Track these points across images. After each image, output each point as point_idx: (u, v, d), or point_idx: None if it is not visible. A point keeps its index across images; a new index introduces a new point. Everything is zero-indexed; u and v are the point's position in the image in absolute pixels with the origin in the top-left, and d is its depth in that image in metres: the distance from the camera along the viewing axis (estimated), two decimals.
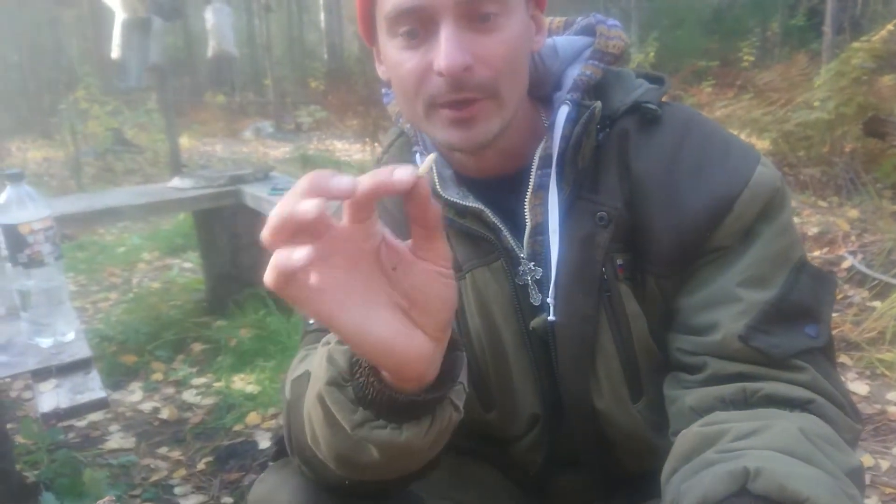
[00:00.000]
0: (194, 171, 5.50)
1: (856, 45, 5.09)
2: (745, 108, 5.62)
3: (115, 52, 6.89)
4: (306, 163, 7.36)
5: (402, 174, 0.50)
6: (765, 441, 0.66)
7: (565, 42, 0.90)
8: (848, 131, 4.89)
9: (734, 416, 0.73)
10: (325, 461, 0.71)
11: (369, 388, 0.61)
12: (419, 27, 0.76)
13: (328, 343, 0.67)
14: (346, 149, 9.50)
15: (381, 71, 0.87)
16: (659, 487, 0.75)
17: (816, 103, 4.97)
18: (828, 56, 7.17)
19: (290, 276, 0.50)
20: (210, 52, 9.30)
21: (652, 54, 9.32)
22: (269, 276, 0.50)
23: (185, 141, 9.60)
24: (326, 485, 0.79)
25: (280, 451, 0.89)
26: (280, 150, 9.56)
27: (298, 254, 0.48)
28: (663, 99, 0.87)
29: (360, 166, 7.37)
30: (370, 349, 0.55)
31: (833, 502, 0.58)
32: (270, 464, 0.91)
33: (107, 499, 0.78)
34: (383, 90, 0.96)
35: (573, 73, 0.86)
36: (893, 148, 4.37)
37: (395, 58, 0.79)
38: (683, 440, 0.73)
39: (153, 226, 5.24)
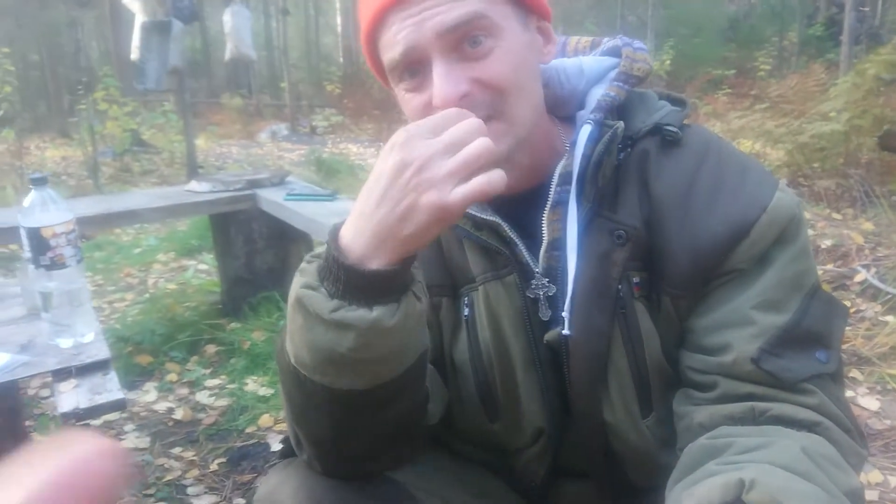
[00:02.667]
0: (211, 173, 5.54)
1: (872, 56, 5.08)
2: (759, 119, 5.61)
3: (134, 54, 6.97)
4: (321, 166, 7.41)
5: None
6: (766, 456, 0.68)
7: (591, 62, 0.92)
8: (863, 143, 4.87)
9: (740, 432, 0.75)
10: (310, 374, 0.75)
11: (338, 277, 0.70)
12: (418, 68, 0.79)
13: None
14: (361, 153, 9.55)
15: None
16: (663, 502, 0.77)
17: (832, 115, 4.96)
18: (845, 67, 7.15)
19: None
20: (228, 55, 9.39)
21: (668, 62, 9.31)
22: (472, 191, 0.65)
23: (201, 142, 9.69)
24: (316, 439, 0.83)
25: (286, 450, 0.92)
26: (295, 153, 9.62)
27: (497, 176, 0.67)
28: (685, 121, 0.89)
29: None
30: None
31: None
32: (276, 463, 0.94)
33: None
34: None
35: (597, 94, 0.88)
36: None
37: (404, 99, 0.83)
38: (689, 452, 0.75)
39: (169, 227, 5.29)
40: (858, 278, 3.25)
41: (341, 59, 20.48)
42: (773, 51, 11.04)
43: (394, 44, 0.78)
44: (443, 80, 0.76)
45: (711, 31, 13.70)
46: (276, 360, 0.85)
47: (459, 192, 0.65)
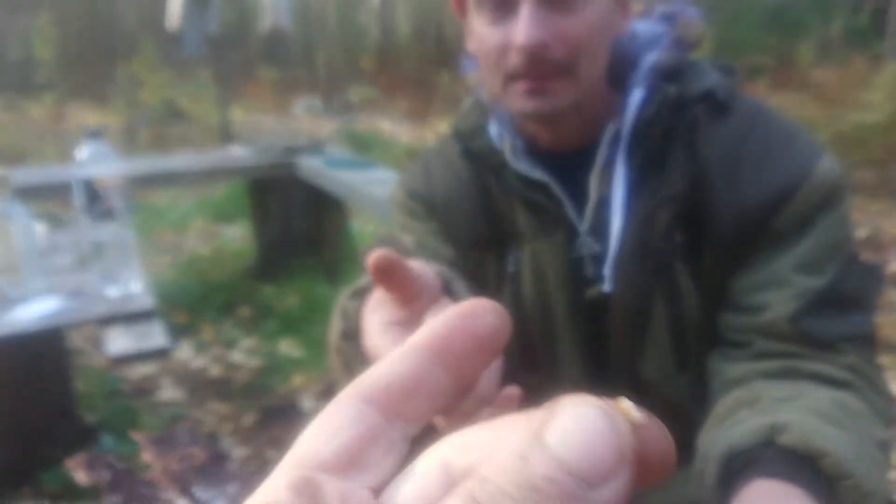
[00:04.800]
0: (248, 141, 5.60)
1: None
2: (799, 108, 5.53)
3: (174, 22, 7.05)
4: (354, 140, 7.45)
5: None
6: (798, 405, 0.70)
7: (645, 27, 0.93)
8: None
9: (773, 385, 0.77)
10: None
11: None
12: (504, 1, 0.80)
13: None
14: (395, 129, 9.57)
15: (471, 45, 0.92)
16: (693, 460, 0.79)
17: (875, 106, 4.88)
18: (890, 59, 7.00)
19: None
20: (264, 27, 9.43)
21: (708, 48, 9.17)
22: None
23: (235, 114, 9.76)
24: None
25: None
26: (328, 128, 9.66)
27: None
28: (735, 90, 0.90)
29: (408, 147, 7.43)
30: None
31: (855, 462, 0.62)
32: None
33: (182, 424, 0.85)
34: (463, 60, 1.00)
35: (651, 58, 0.89)
36: None
37: (480, 32, 0.83)
38: (722, 403, 0.78)
39: (204, 193, 5.37)
40: (892, 269, 3.22)
41: (377, 35, 20.43)
42: (816, 41, 10.81)
43: None
44: (531, 20, 0.77)
45: (753, 19, 13.44)
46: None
47: None
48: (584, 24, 0.79)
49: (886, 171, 4.56)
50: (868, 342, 0.81)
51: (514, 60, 0.80)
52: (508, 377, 1.01)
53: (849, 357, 0.78)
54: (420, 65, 10.10)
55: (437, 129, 8.11)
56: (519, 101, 0.83)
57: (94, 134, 1.70)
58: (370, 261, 0.53)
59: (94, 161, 1.70)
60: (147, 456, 0.80)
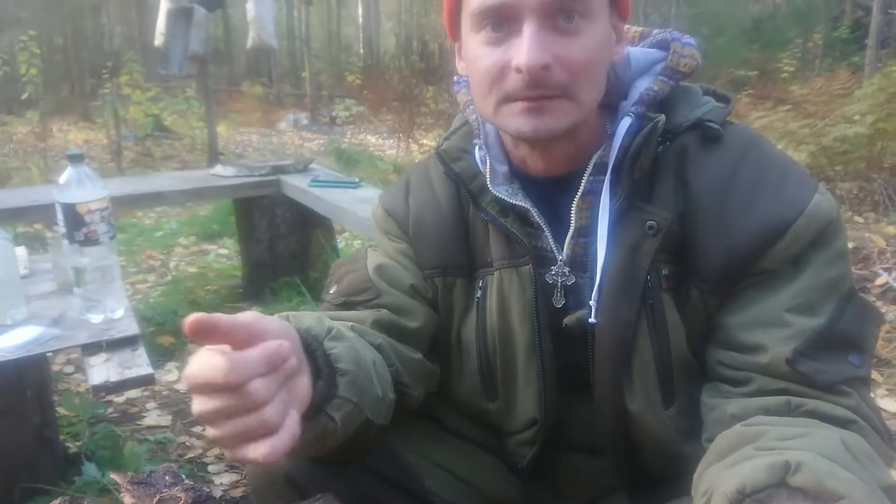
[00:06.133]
0: (231, 160, 5.58)
1: None
2: (782, 120, 5.58)
3: (158, 40, 7.02)
4: (340, 156, 7.44)
5: None
6: (805, 444, 0.68)
7: (639, 53, 0.92)
8: (887, 147, 4.83)
9: (777, 421, 0.75)
10: None
11: None
12: (503, 23, 0.79)
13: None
14: (380, 144, 9.58)
15: (461, 67, 0.91)
16: (680, 490, 0.78)
17: (856, 118, 4.92)
18: (870, 70, 7.09)
19: None
20: (250, 43, 9.42)
21: None
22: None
23: (222, 130, 9.74)
24: None
25: None
26: (315, 143, 9.66)
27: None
28: (729, 119, 0.89)
29: (395, 163, 7.43)
30: None
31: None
32: None
33: (165, 465, 0.83)
34: (455, 78, 1.00)
35: (642, 86, 0.88)
36: None
37: (477, 52, 0.82)
38: (723, 439, 0.76)
39: (190, 211, 5.34)
40: (879, 281, 3.24)
41: (362, 51, 20.50)
42: (796, 53, 10.94)
43: None
44: (533, 43, 0.76)
45: (735, 32, 13.58)
46: None
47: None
48: (585, 49, 0.79)
49: (870, 183, 4.60)
50: (865, 383, 0.80)
51: (514, 81, 0.79)
52: (470, 403, 1.01)
53: (850, 398, 0.77)
54: (405, 80, 10.12)
55: (423, 144, 8.13)
56: (516, 120, 0.82)
57: (76, 158, 1.68)
58: (185, 327, 0.57)
59: (76, 185, 1.67)
60: (127, 499, 0.78)
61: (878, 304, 3.09)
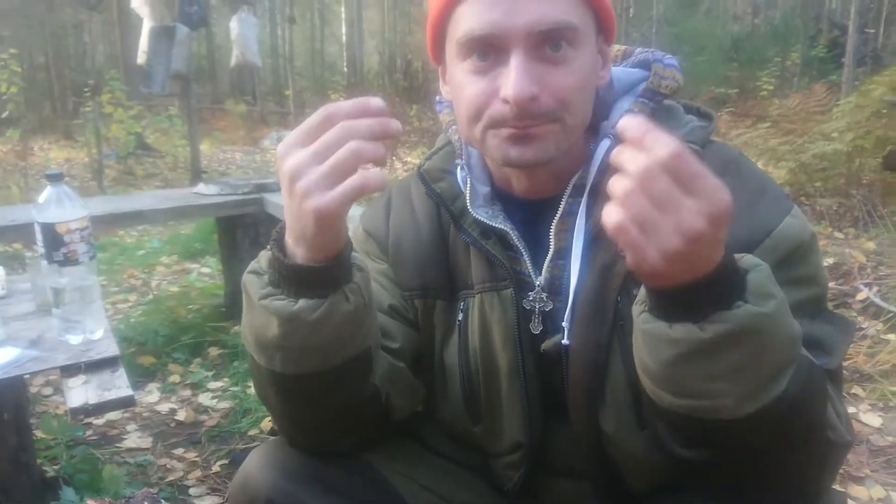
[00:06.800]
0: (214, 178, 5.55)
1: (876, 78, 5.12)
2: (762, 137, 5.64)
3: (141, 59, 7.02)
4: None
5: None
6: None
7: (621, 73, 0.92)
8: (865, 164, 4.90)
9: None
10: (251, 352, 0.83)
11: (274, 266, 0.76)
12: (489, 52, 0.79)
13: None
14: None
15: (445, 91, 0.91)
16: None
17: (835, 135, 4.99)
18: (847, 88, 7.20)
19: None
20: (233, 62, 9.43)
21: None
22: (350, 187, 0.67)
23: (205, 147, 9.72)
24: (272, 412, 0.91)
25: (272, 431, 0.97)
26: None
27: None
28: (711, 137, 0.89)
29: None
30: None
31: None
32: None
33: (144, 490, 0.81)
34: (437, 98, 1.00)
35: (623, 107, 0.88)
36: None
37: (463, 80, 0.82)
38: None
39: (172, 230, 5.30)
40: (860, 297, 3.26)
41: (345, 69, 20.56)
42: (775, 71, 11.10)
43: (478, 17, 0.78)
44: (520, 74, 0.76)
45: (715, 50, 13.77)
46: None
47: (332, 195, 0.67)
48: (572, 77, 0.79)
49: (849, 199, 4.66)
50: (833, 378, 0.79)
51: (500, 111, 0.79)
52: (455, 424, 1.00)
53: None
54: (389, 98, 10.15)
55: (406, 162, 8.13)
56: (502, 147, 0.81)
57: (55, 177, 1.66)
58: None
59: (56, 205, 1.65)
60: None
61: (859, 319, 3.12)
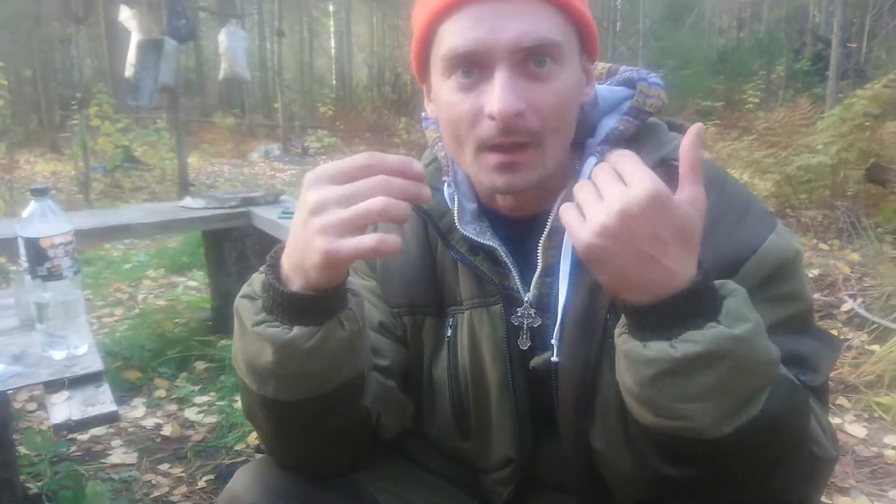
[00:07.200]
0: (202, 191, 5.54)
1: (859, 91, 5.18)
2: (748, 149, 5.69)
3: (128, 72, 7.01)
4: None
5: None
6: None
7: (606, 91, 0.93)
8: (849, 176, 4.95)
9: None
10: (242, 377, 0.82)
11: (268, 292, 0.74)
12: (473, 69, 0.79)
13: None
14: None
15: (430, 109, 0.91)
16: None
17: (819, 147, 5.04)
18: (831, 101, 7.29)
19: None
20: (222, 74, 9.45)
21: None
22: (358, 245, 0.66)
23: (193, 160, 9.70)
24: (262, 435, 0.89)
25: (258, 447, 0.96)
26: (287, 173, 9.65)
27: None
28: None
29: None
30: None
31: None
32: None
33: None
34: (423, 114, 0.99)
35: (608, 125, 0.89)
36: (895, 194, 4.42)
37: (448, 98, 0.81)
38: None
39: (159, 243, 5.28)
40: (845, 308, 3.29)
41: (334, 82, 20.61)
42: (760, 84, 11.24)
43: (462, 34, 0.78)
44: (506, 90, 0.76)
45: (700, 63, 13.91)
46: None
47: (345, 244, 0.66)
48: (557, 93, 0.79)
49: (834, 211, 4.70)
50: (817, 394, 0.80)
51: (487, 128, 0.79)
52: (444, 440, 1.00)
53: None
54: (377, 111, 10.18)
55: None
56: (490, 174, 0.82)
57: (40, 191, 1.65)
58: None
59: (40, 219, 1.64)
60: None
61: (844, 329, 3.14)
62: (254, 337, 0.75)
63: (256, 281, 0.78)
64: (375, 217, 0.66)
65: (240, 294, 0.78)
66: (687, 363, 0.66)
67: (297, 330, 0.73)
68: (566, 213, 0.70)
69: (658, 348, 0.67)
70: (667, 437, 0.72)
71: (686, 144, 0.71)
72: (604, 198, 0.68)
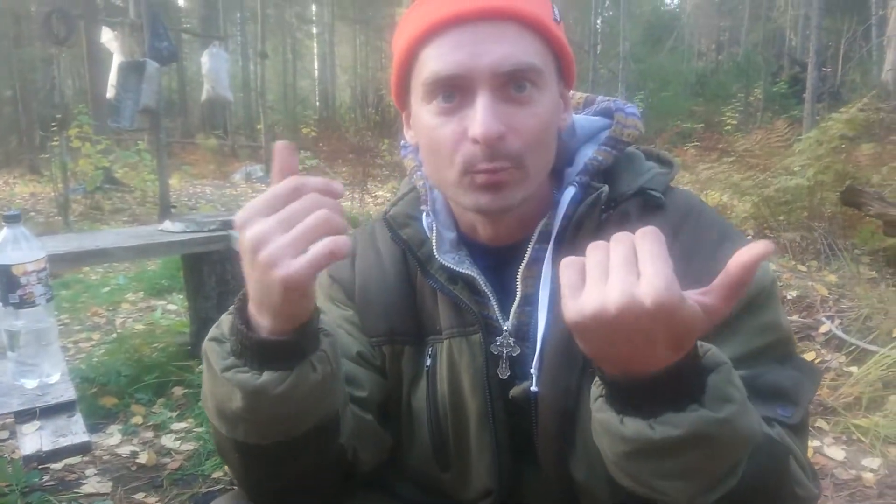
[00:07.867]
0: (183, 213, 5.51)
1: (835, 115, 5.27)
2: (726, 172, 5.76)
3: (110, 93, 6.99)
4: None
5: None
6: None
7: (584, 121, 0.94)
8: (826, 198, 5.01)
9: None
10: (212, 419, 0.80)
11: (236, 336, 0.72)
12: (455, 93, 0.79)
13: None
14: None
15: (409, 136, 0.91)
16: None
17: (796, 169, 5.11)
18: (808, 123, 7.41)
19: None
20: (204, 96, 9.45)
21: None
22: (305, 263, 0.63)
23: (174, 182, 9.65)
24: (234, 474, 0.87)
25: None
26: None
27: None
28: (672, 183, 0.90)
29: (349, 214, 7.42)
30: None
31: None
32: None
33: None
34: (402, 143, 0.99)
35: (586, 154, 0.89)
36: (870, 216, 4.48)
37: (430, 122, 0.82)
38: None
39: (138, 266, 5.23)
40: (823, 329, 3.31)
41: (317, 103, 20.66)
42: (738, 106, 11.41)
43: (443, 59, 0.78)
44: (487, 114, 0.76)
45: (680, 86, 14.10)
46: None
47: (300, 262, 0.63)
48: (537, 117, 0.80)
49: (812, 233, 4.75)
50: (795, 431, 0.79)
51: (471, 152, 0.79)
52: (423, 472, 0.98)
53: (774, 428, 0.76)
54: (360, 132, 10.20)
55: (377, 196, 8.16)
56: (474, 195, 0.82)
57: (13, 217, 1.63)
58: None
59: (12, 246, 1.62)
60: None
61: (822, 351, 3.16)
62: (223, 381, 0.73)
63: (225, 322, 0.76)
64: (322, 229, 0.64)
65: (208, 336, 0.76)
66: (665, 446, 0.64)
67: (266, 375, 0.71)
68: (565, 273, 0.65)
69: (635, 428, 0.65)
70: (644, 500, 0.71)
71: (745, 257, 0.63)
72: (610, 281, 0.62)
